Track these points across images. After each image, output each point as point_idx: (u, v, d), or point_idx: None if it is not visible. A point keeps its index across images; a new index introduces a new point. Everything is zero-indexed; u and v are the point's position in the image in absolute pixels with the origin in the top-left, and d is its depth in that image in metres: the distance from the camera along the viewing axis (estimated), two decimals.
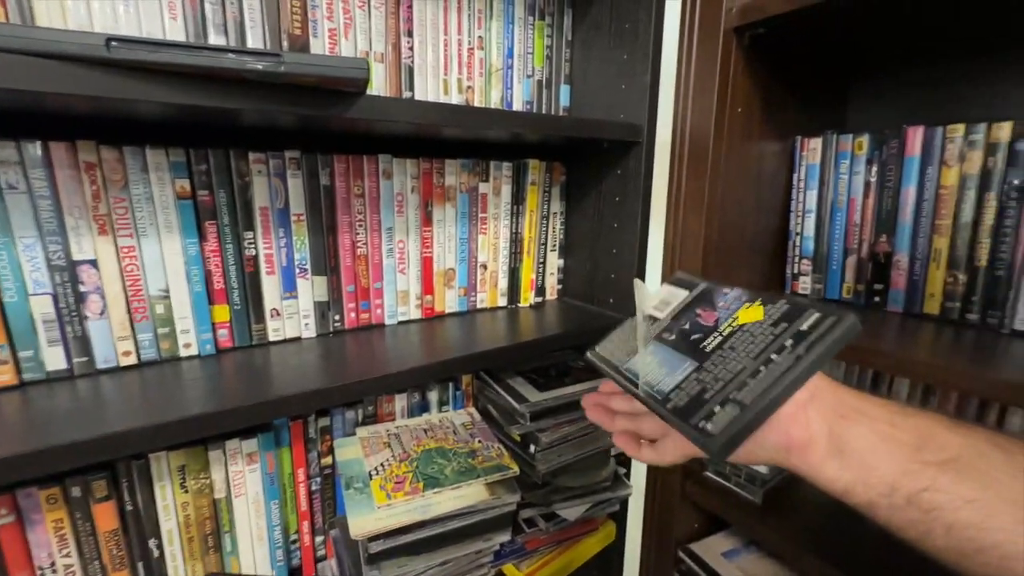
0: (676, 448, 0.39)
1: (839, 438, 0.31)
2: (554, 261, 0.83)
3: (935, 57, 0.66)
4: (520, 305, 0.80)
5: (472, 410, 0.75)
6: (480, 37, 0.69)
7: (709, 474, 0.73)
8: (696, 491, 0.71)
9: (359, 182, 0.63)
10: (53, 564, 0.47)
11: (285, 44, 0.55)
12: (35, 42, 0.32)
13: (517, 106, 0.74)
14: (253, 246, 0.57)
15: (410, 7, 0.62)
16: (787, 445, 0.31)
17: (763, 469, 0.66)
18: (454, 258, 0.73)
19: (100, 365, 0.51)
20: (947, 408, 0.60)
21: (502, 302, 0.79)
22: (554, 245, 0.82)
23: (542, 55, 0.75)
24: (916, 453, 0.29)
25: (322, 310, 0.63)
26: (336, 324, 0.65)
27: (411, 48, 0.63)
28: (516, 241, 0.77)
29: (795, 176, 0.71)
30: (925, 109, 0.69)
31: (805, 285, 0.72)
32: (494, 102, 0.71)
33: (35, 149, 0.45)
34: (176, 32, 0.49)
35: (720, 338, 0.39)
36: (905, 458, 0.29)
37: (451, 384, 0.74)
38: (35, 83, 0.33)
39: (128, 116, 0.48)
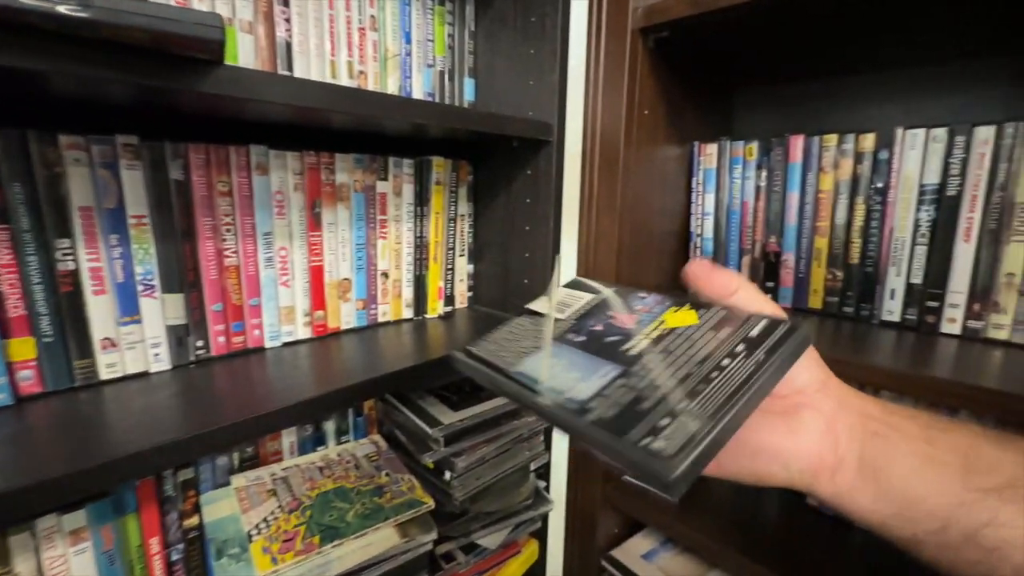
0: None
1: (873, 461, 0.25)
2: (463, 267, 0.77)
3: (810, 72, 0.72)
4: (428, 316, 0.73)
5: (377, 437, 0.66)
6: (372, 16, 0.61)
7: (627, 478, 0.72)
8: (616, 496, 0.70)
9: (224, 177, 0.51)
10: None
11: None
12: None
13: (417, 96, 0.67)
14: (71, 258, 0.44)
15: None
16: (816, 468, 0.26)
17: None
18: (350, 267, 0.64)
19: None
20: None
21: (407, 314, 0.71)
22: (463, 249, 0.76)
23: (443, 44, 0.69)
24: (966, 478, 0.24)
25: (178, 335, 0.51)
26: (199, 352, 0.52)
27: (288, 20, 0.53)
28: (421, 246, 0.70)
29: (694, 180, 0.74)
30: (802, 118, 0.75)
31: None
32: (391, 91, 0.64)
33: None
34: None
35: (647, 341, 0.32)
36: (957, 486, 0.24)
37: (351, 410, 0.65)
38: None
39: None
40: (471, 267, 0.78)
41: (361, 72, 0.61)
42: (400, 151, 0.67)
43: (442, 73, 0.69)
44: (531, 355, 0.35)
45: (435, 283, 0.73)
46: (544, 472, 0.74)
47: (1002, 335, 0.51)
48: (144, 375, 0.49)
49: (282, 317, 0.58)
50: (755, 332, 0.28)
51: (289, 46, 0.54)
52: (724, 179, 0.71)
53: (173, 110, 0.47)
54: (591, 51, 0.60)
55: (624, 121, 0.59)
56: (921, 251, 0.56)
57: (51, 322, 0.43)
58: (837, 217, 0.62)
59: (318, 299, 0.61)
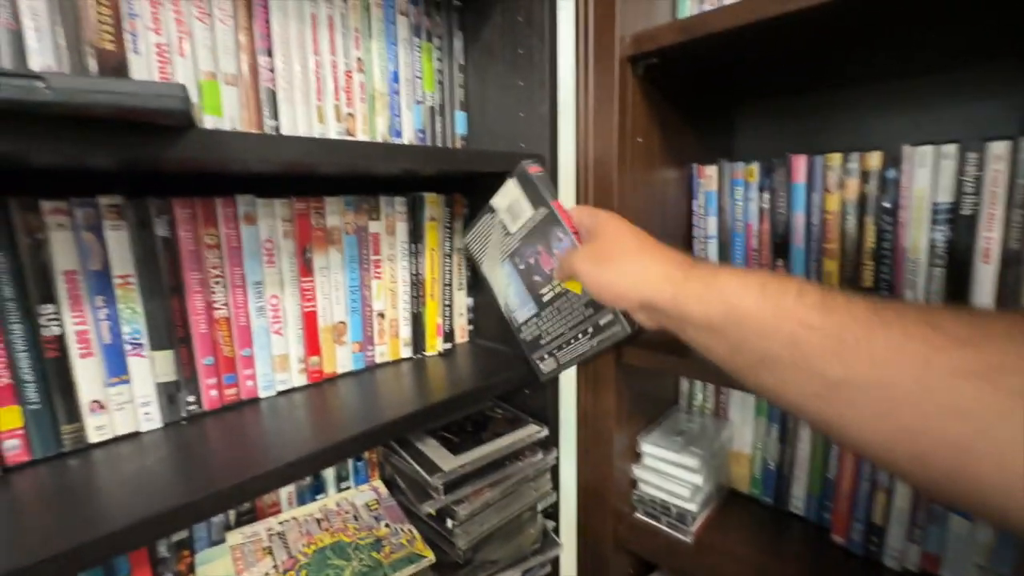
0: None
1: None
2: (462, 300, 0.76)
3: (809, 87, 0.70)
4: (427, 354, 0.71)
5: (378, 483, 0.64)
6: (359, 59, 0.60)
7: (639, 515, 0.69)
8: (627, 535, 0.67)
9: (212, 230, 0.51)
10: None
11: (93, 64, 0.42)
12: None
13: (408, 134, 0.66)
14: (56, 323, 0.43)
15: (267, 21, 0.52)
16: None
17: (692, 506, 0.64)
18: (344, 310, 0.63)
19: None
20: None
21: (406, 353, 0.69)
22: (461, 283, 0.75)
23: (432, 80, 0.68)
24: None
25: (169, 392, 0.50)
26: (191, 407, 0.51)
27: (271, 69, 0.53)
28: (417, 284, 0.69)
29: (695, 203, 0.72)
30: (803, 134, 0.73)
31: None
32: (380, 130, 0.63)
33: None
34: None
35: (552, 294, 0.53)
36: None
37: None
38: None
39: None
40: (471, 301, 0.77)
41: (349, 114, 0.60)
42: (392, 188, 0.66)
43: (432, 109, 0.69)
44: (494, 264, 0.58)
45: (433, 320, 0.71)
46: (553, 512, 0.71)
47: None
48: (135, 435, 0.48)
49: (276, 365, 0.57)
50: (603, 322, 0.49)
51: (274, 95, 0.54)
52: (726, 201, 0.68)
53: (155, 170, 0.47)
54: (580, 81, 0.59)
55: (617, 149, 0.57)
56: (938, 273, 0.53)
57: (37, 389, 0.43)
58: (847, 238, 0.59)
59: (312, 345, 0.60)
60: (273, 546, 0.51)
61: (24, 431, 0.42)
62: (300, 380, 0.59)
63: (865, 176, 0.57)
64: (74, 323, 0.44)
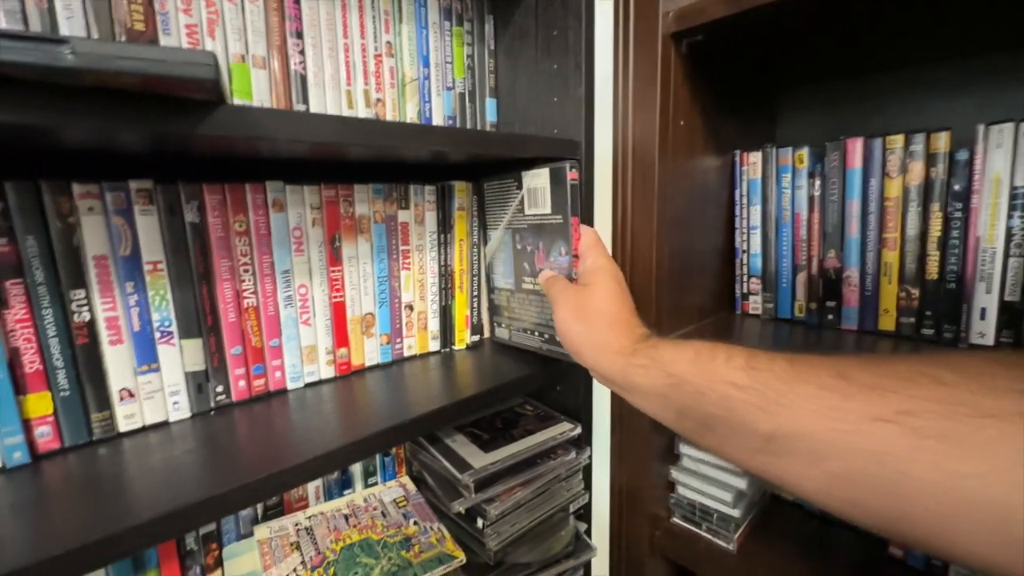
0: None
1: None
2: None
3: (863, 68, 0.65)
4: (455, 348, 0.69)
5: (406, 480, 0.63)
6: (389, 43, 0.59)
7: (677, 520, 0.66)
8: (665, 542, 0.64)
9: (241, 216, 0.50)
10: None
11: None
12: None
13: (437, 121, 0.64)
14: (87, 309, 0.42)
15: (297, 3, 0.51)
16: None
17: (735, 512, 0.60)
18: (372, 301, 0.61)
19: None
20: None
21: (434, 346, 0.68)
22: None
23: (463, 65, 0.66)
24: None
25: (198, 382, 0.49)
26: (220, 398, 0.50)
27: (302, 52, 0.52)
28: (446, 275, 0.67)
29: (737, 192, 0.68)
30: (853, 119, 0.68)
31: (756, 305, 0.68)
32: (410, 116, 0.62)
33: None
34: None
35: (531, 287, 0.57)
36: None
37: None
38: None
39: None
40: None
41: (379, 100, 0.59)
42: (421, 177, 0.64)
43: (462, 95, 0.66)
44: (497, 223, 0.61)
45: (462, 313, 0.69)
46: (584, 514, 0.68)
47: None
48: (164, 425, 0.47)
49: (304, 357, 0.56)
50: (558, 340, 0.50)
51: (304, 78, 0.52)
52: (771, 190, 0.65)
53: (185, 152, 0.46)
54: (619, 62, 0.56)
55: (658, 134, 0.54)
56: (1016, 264, 0.48)
57: (67, 375, 0.42)
58: (908, 227, 0.54)
59: (341, 336, 0.59)
60: (301, 541, 0.50)
61: (55, 418, 0.42)
62: (328, 372, 0.58)
63: (932, 159, 0.52)
64: (104, 309, 0.43)
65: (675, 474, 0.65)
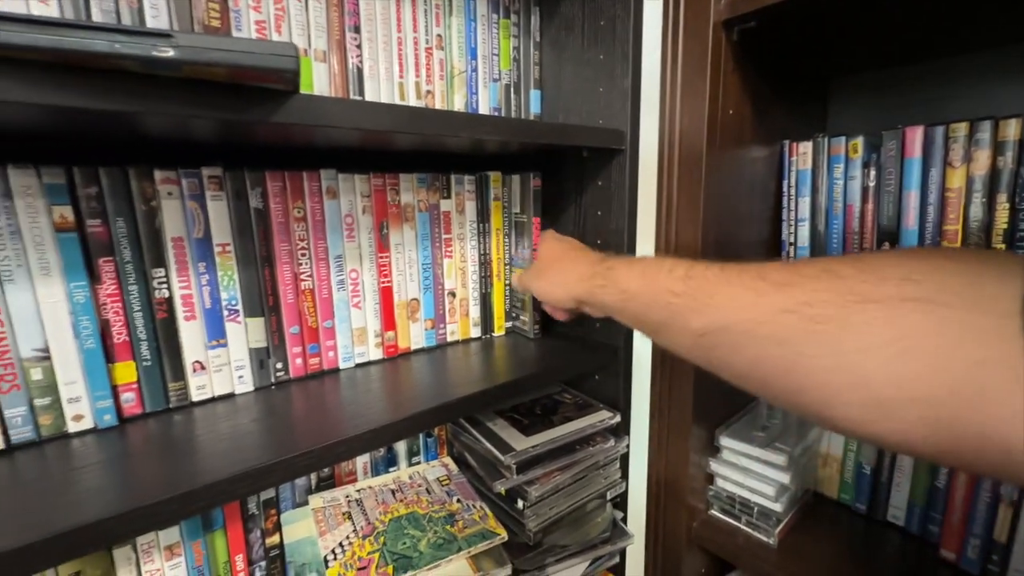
0: None
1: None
2: None
3: (917, 55, 0.63)
4: (495, 335, 0.71)
5: (447, 460, 0.65)
6: (439, 36, 0.60)
7: (715, 513, 0.66)
8: (703, 533, 0.64)
9: (299, 203, 0.53)
10: None
11: None
12: None
13: (483, 111, 0.66)
14: (165, 286, 0.46)
15: None
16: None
17: (777, 506, 0.59)
18: (417, 287, 0.63)
19: None
20: None
21: (475, 333, 0.69)
22: None
23: (509, 57, 0.67)
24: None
25: (260, 358, 0.52)
26: (279, 374, 0.54)
27: (359, 46, 0.54)
28: (485, 263, 0.69)
29: (785, 183, 0.67)
30: (908, 107, 0.66)
31: None
32: (458, 108, 0.63)
33: None
34: None
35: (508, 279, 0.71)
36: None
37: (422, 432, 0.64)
38: None
39: None
40: None
41: (428, 92, 0.61)
42: (461, 169, 0.66)
43: (507, 87, 0.68)
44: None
45: (500, 300, 0.71)
46: (621, 502, 0.69)
47: None
48: (230, 396, 0.51)
49: (355, 338, 0.59)
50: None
51: (360, 71, 0.55)
52: (821, 180, 0.63)
53: (250, 141, 0.49)
54: (667, 51, 0.56)
55: (706, 123, 0.54)
56: None
57: (149, 347, 0.46)
58: (971, 219, 0.52)
59: (388, 320, 0.61)
60: (352, 512, 0.53)
61: (138, 385, 0.46)
62: (376, 354, 0.61)
63: (1000, 147, 0.50)
64: (180, 287, 0.47)
65: (714, 466, 0.65)
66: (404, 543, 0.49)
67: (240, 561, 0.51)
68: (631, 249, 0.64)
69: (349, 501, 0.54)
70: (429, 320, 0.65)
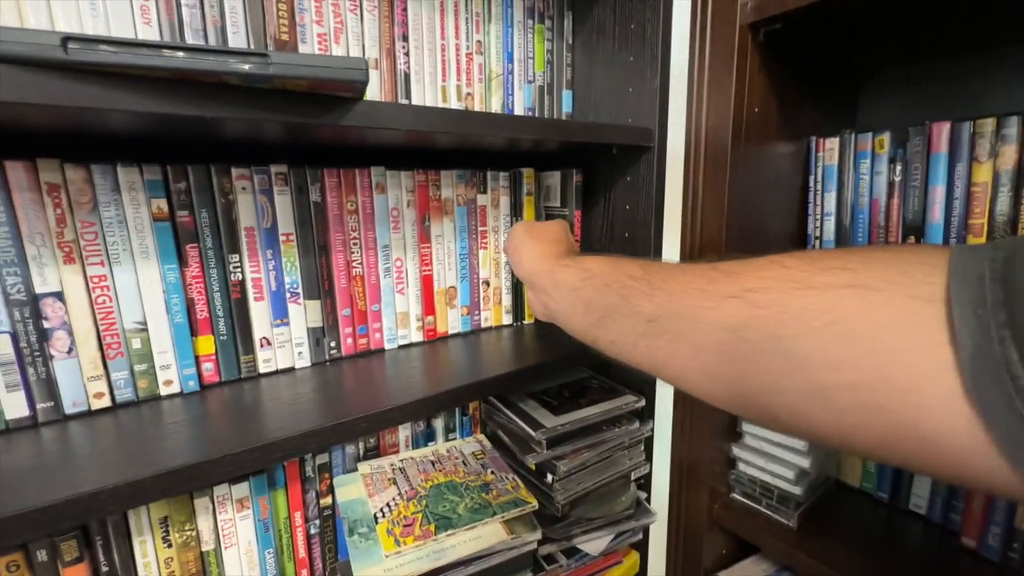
0: None
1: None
2: None
3: (945, 51, 0.63)
4: (526, 322, 0.75)
5: (481, 437, 0.69)
6: (479, 41, 0.65)
7: (736, 496, 0.68)
8: (724, 515, 0.67)
9: (352, 197, 0.58)
10: None
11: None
12: None
13: (518, 112, 0.70)
14: (239, 270, 0.52)
15: (404, 10, 0.58)
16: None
17: (797, 490, 0.62)
18: (455, 275, 0.68)
19: (68, 410, 0.45)
20: None
21: (507, 320, 0.74)
22: None
23: (543, 60, 0.71)
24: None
25: (316, 337, 0.58)
26: (332, 351, 0.60)
27: (407, 53, 0.59)
28: None
29: (811, 178, 0.68)
30: (936, 104, 0.66)
31: None
32: (495, 109, 0.68)
33: None
34: (149, 38, 0.45)
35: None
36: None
37: (457, 410, 0.69)
38: None
39: (96, 130, 0.43)
40: None
41: (468, 94, 0.65)
42: (496, 165, 0.70)
43: (541, 88, 0.72)
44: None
45: None
46: (645, 483, 0.72)
47: None
48: (290, 370, 0.57)
49: (398, 322, 0.64)
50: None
51: (407, 76, 0.60)
52: (848, 176, 0.65)
53: (310, 142, 0.54)
54: (695, 53, 0.59)
55: (732, 122, 0.57)
56: None
57: (225, 323, 0.52)
58: (997, 213, 0.53)
59: (428, 305, 0.66)
60: (396, 478, 0.58)
61: (215, 357, 0.52)
62: (417, 336, 0.66)
63: None
64: (251, 271, 0.53)
65: (736, 451, 0.67)
66: (444, 506, 0.54)
67: (298, 518, 0.57)
68: (657, 240, 0.67)
69: (394, 469, 0.60)
70: (465, 307, 0.70)
